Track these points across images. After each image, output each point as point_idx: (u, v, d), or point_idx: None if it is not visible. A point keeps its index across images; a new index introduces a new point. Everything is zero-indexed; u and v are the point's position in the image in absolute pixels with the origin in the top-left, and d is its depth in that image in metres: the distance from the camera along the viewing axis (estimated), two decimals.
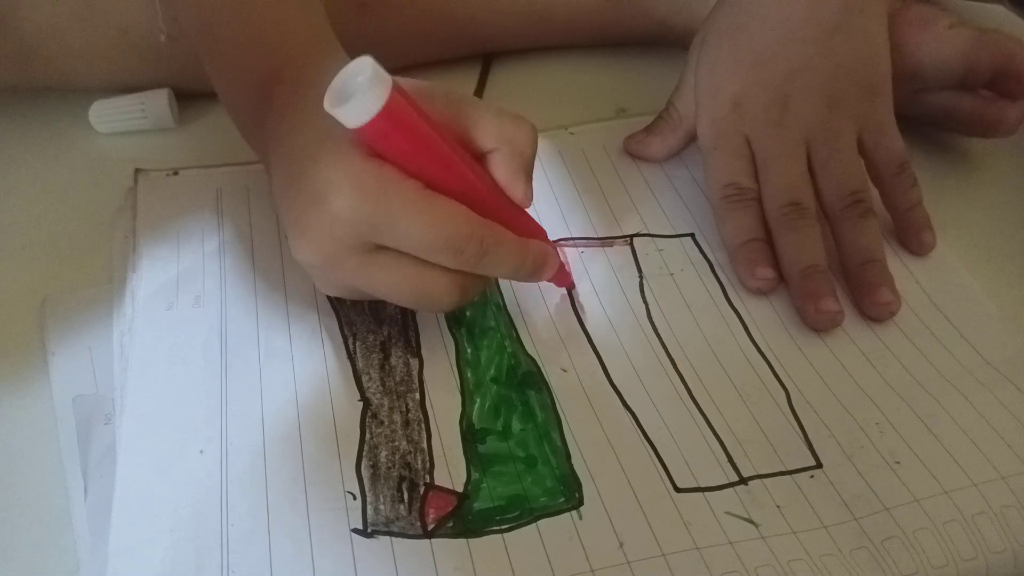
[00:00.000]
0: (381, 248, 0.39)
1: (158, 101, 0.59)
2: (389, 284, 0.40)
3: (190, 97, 0.60)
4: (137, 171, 0.55)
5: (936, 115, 0.58)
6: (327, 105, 0.35)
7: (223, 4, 0.48)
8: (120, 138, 0.60)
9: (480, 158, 0.41)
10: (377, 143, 0.38)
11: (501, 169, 0.41)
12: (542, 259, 0.43)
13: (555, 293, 0.48)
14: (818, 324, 0.47)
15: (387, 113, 0.35)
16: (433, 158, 0.39)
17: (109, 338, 0.46)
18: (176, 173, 0.55)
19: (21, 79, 0.59)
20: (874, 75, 0.52)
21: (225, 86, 0.49)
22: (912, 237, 0.51)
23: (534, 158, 0.42)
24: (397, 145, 0.38)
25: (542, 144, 0.57)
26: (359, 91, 0.35)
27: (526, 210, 0.44)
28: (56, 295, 0.49)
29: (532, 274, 0.43)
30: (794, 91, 0.51)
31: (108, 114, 0.59)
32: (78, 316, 0.48)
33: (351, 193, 0.37)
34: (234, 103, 0.49)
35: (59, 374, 0.45)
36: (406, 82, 0.38)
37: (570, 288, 0.48)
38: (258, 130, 0.46)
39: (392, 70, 0.64)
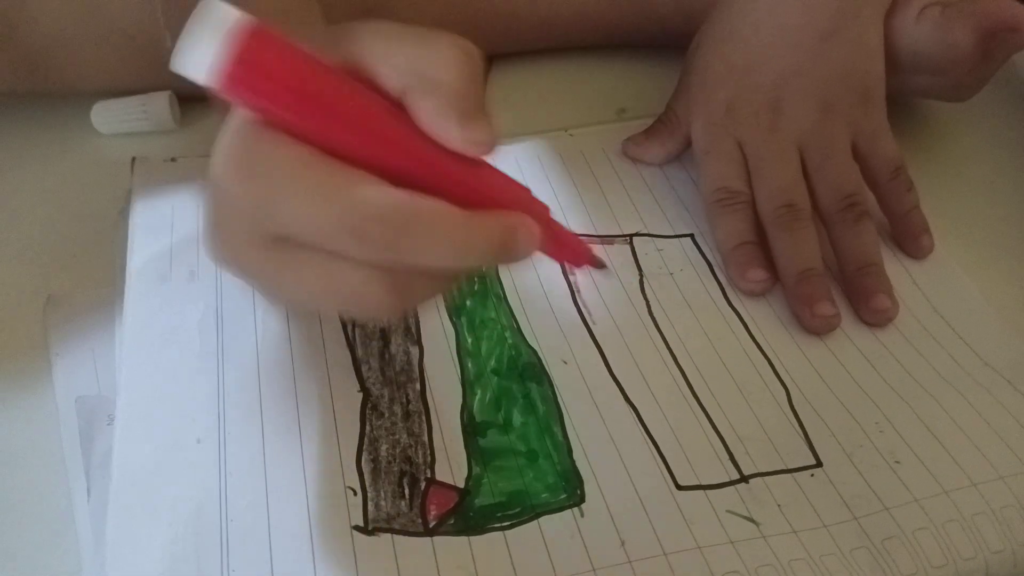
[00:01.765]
0: (283, 240, 0.31)
1: (159, 103, 0.59)
2: (297, 284, 0.31)
3: (193, 99, 0.60)
4: (134, 159, 0.54)
5: (914, 94, 0.59)
6: (172, 62, 0.28)
7: None
8: (122, 139, 0.60)
9: (401, 107, 0.31)
10: (244, 98, 0.30)
11: (419, 111, 0.30)
12: (507, 232, 0.31)
13: (557, 285, 0.47)
14: (814, 328, 0.47)
15: (240, 57, 0.28)
16: (324, 111, 0.30)
17: (112, 339, 0.46)
18: (174, 160, 0.54)
19: (28, 85, 0.59)
20: (868, 81, 0.52)
21: None
22: (910, 241, 0.51)
23: (474, 88, 0.31)
24: (269, 100, 0.29)
25: (542, 146, 0.57)
26: (196, 36, 0.28)
27: (490, 167, 0.33)
28: (59, 296, 0.49)
29: (498, 255, 0.31)
30: (787, 96, 0.51)
31: (110, 115, 0.59)
32: (81, 317, 0.47)
33: (233, 171, 0.30)
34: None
35: (62, 375, 0.45)
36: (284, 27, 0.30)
37: (599, 267, 0.38)
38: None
39: None
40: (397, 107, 0.31)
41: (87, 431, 0.42)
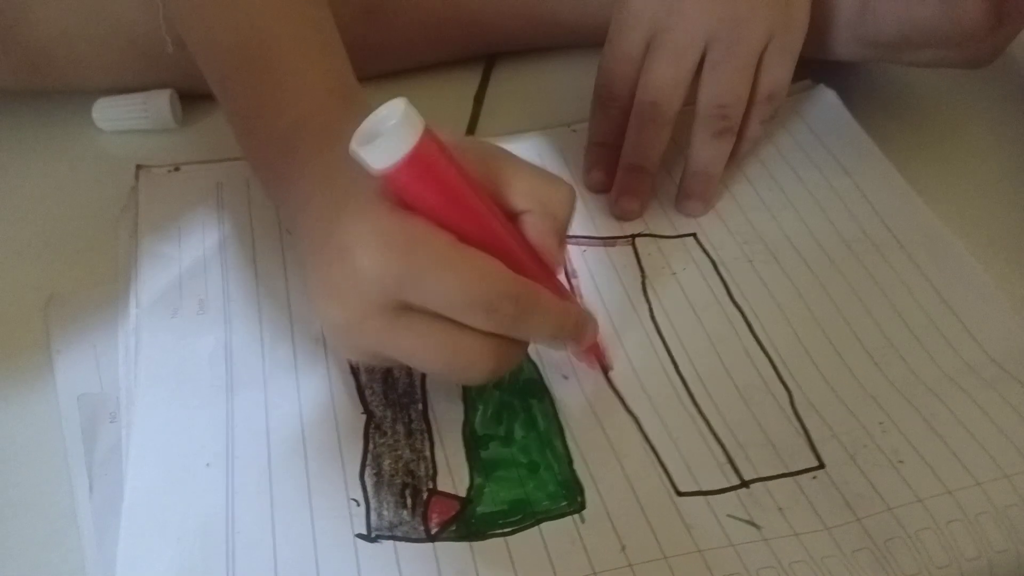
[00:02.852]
0: (410, 309, 0.36)
1: (160, 102, 0.59)
2: (417, 348, 0.37)
3: (194, 97, 0.60)
4: (138, 168, 0.55)
5: (926, 66, 0.59)
6: (353, 144, 0.33)
7: (236, 48, 0.46)
8: (124, 136, 0.60)
9: (512, 218, 0.38)
10: (406, 189, 0.35)
11: (534, 230, 0.38)
12: (583, 323, 0.41)
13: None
14: (613, 214, 0.53)
15: (417, 156, 0.33)
16: (465, 209, 0.36)
17: (114, 336, 0.47)
18: (177, 169, 0.55)
19: (30, 85, 0.60)
20: (799, 13, 0.52)
21: (245, 138, 0.47)
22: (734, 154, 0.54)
23: (569, 221, 0.40)
24: (427, 192, 0.35)
25: (544, 143, 0.57)
26: (388, 131, 0.33)
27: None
28: (61, 293, 0.49)
29: (571, 339, 0.41)
30: None
31: (111, 113, 0.59)
32: (83, 314, 0.48)
33: (377, 246, 0.34)
34: (255, 157, 0.47)
35: (64, 372, 0.45)
36: (440, 133, 0.35)
37: (607, 370, 0.45)
38: (284, 188, 0.44)
39: (396, 73, 0.65)
40: (505, 213, 0.38)
41: (89, 429, 0.43)
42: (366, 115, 0.34)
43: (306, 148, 0.42)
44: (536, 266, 0.39)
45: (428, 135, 0.33)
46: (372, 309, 0.36)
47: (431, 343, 0.36)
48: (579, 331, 0.41)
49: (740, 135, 0.53)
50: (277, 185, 0.45)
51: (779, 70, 0.52)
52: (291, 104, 0.44)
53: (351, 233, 0.35)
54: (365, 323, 0.36)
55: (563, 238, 0.39)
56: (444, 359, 0.37)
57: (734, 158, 0.54)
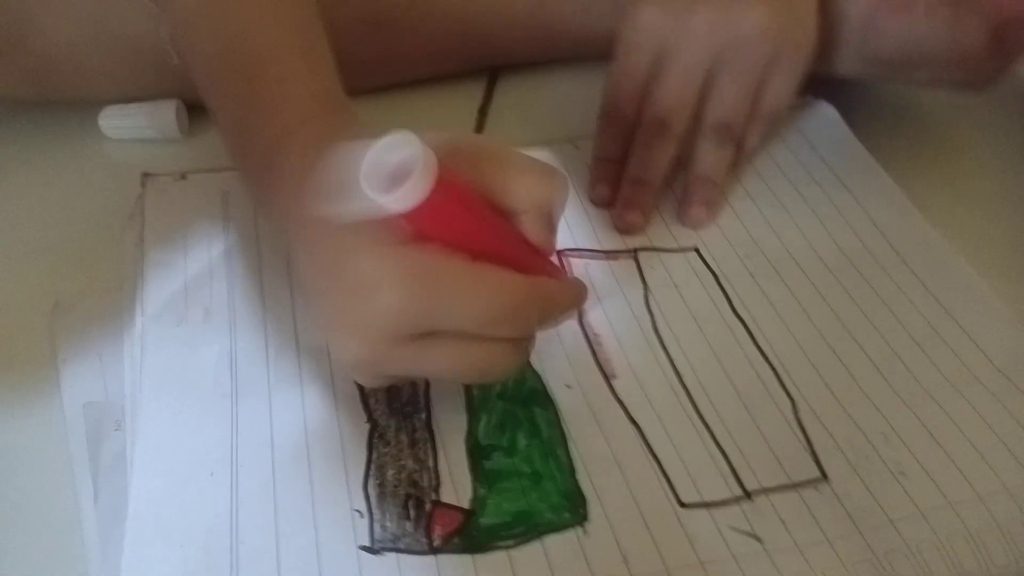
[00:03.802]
0: (433, 332, 0.36)
1: (165, 112, 0.59)
2: (444, 366, 0.38)
3: (201, 107, 0.60)
4: (144, 176, 0.55)
5: (926, 85, 0.60)
6: (369, 191, 0.32)
7: (222, 56, 0.46)
8: (131, 144, 0.60)
9: (509, 215, 0.39)
10: (423, 224, 0.35)
11: (532, 230, 0.39)
12: (583, 291, 0.44)
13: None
14: (616, 228, 0.53)
15: (434, 198, 0.32)
16: (475, 229, 0.37)
17: (119, 345, 0.46)
18: (183, 177, 0.55)
19: (36, 94, 0.59)
20: (804, 34, 0.53)
21: (234, 150, 0.47)
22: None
23: (562, 209, 0.41)
24: (443, 223, 0.35)
25: (547, 157, 0.57)
26: (407, 175, 0.32)
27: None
28: (66, 301, 0.49)
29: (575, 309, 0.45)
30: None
31: (117, 121, 0.59)
32: (88, 323, 0.48)
33: (399, 284, 0.35)
34: (243, 169, 0.47)
35: (69, 381, 0.45)
36: (432, 141, 0.34)
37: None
38: (271, 202, 0.43)
39: (402, 86, 0.65)
40: (501, 213, 0.39)
41: (94, 437, 0.43)
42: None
43: (293, 164, 0.41)
44: (534, 257, 0.40)
45: (442, 172, 0.32)
46: (397, 341, 0.36)
47: (457, 359, 0.37)
48: (578, 304, 0.45)
49: (739, 146, 0.54)
50: (266, 197, 0.44)
51: (781, 90, 0.53)
52: (276, 114, 0.43)
53: (369, 270, 0.35)
54: (390, 355, 0.37)
55: (555, 227, 0.41)
56: (473, 370, 0.38)
57: (733, 166, 0.55)
